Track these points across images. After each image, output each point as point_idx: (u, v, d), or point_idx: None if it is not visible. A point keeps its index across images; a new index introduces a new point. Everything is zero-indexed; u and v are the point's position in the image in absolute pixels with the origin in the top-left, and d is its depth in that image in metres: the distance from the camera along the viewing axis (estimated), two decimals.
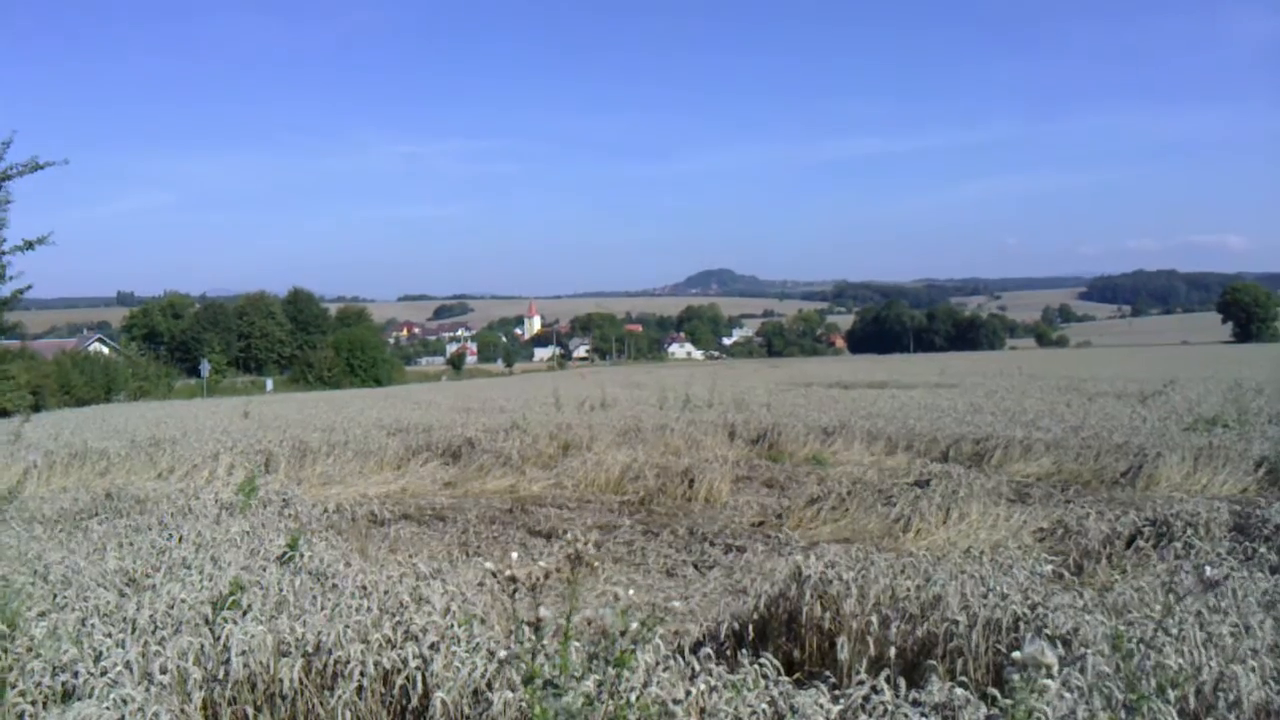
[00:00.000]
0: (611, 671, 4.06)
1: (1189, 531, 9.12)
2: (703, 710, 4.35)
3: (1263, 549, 8.07)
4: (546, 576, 3.30)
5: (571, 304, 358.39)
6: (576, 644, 4.22)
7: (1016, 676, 3.03)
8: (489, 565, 3.43)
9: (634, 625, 3.55)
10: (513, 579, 3.35)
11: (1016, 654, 3.00)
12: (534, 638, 3.18)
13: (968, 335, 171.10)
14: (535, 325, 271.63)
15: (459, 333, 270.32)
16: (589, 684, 4.08)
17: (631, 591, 3.96)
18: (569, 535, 10.27)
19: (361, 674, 5.06)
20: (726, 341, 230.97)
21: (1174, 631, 5.10)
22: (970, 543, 10.27)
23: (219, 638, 5.33)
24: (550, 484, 15.50)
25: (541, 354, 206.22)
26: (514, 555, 3.49)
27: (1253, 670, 4.61)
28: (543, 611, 3.15)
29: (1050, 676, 3.19)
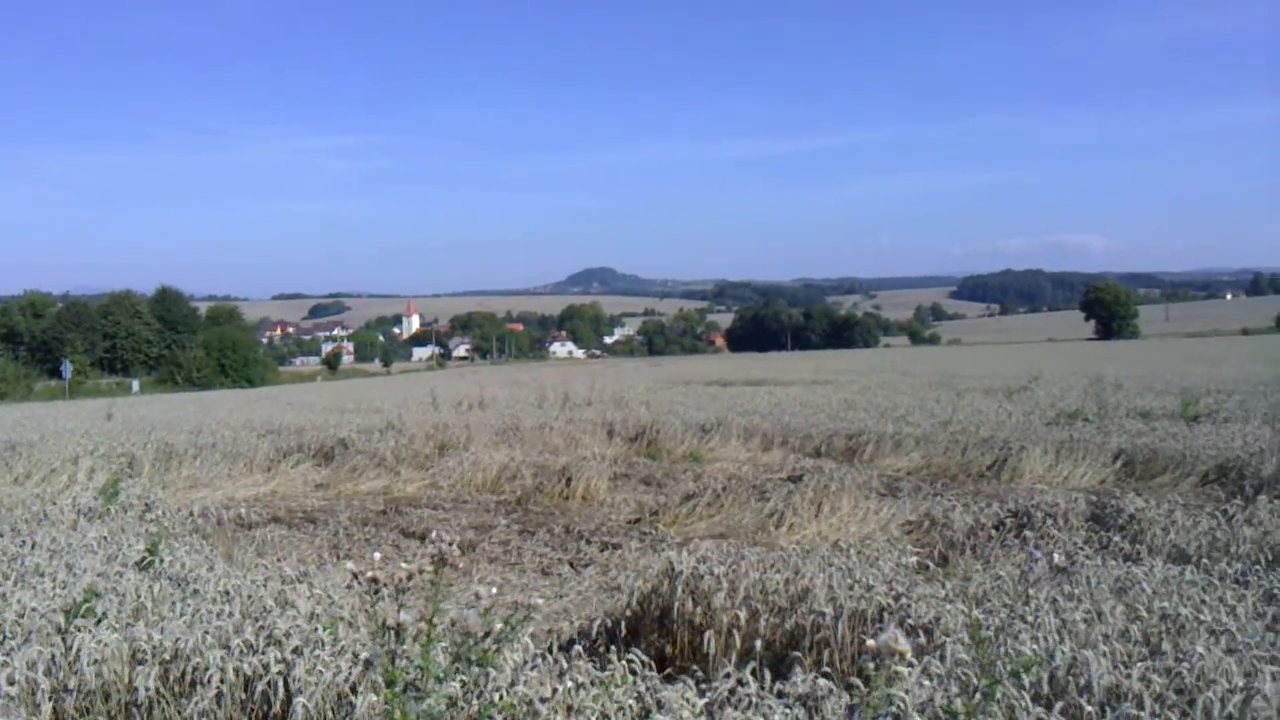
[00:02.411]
0: (477, 671, 4.04)
1: (1049, 522, 9.43)
2: (570, 708, 4.34)
3: (1116, 538, 8.40)
4: (410, 578, 3.26)
5: (451, 303, 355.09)
6: (443, 645, 4.17)
7: (872, 665, 3.09)
8: (350, 566, 3.38)
9: (498, 625, 3.52)
10: (375, 580, 3.31)
11: (871, 642, 3.06)
12: (394, 640, 3.13)
13: (843, 333, 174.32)
14: (414, 324, 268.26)
15: (335, 332, 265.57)
16: (454, 685, 4.04)
17: (496, 590, 3.92)
18: (433, 535, 10.20)
19: (221, 681, 4.93)
20: (608, 340, 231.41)
21: (1030, 619, 5.27)
22: (841, 536, 10.47)
23: (71, 647, 5.14)
24: (426, 484, 15.33)
25: (420, 354, 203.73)
26: (376, 556, 3.44)
27: (1104, 655, 4.78)
28: (402, 615, 3.10)
29: (905, 664, 3.27)
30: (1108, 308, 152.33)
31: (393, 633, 3.11)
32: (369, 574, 3.23)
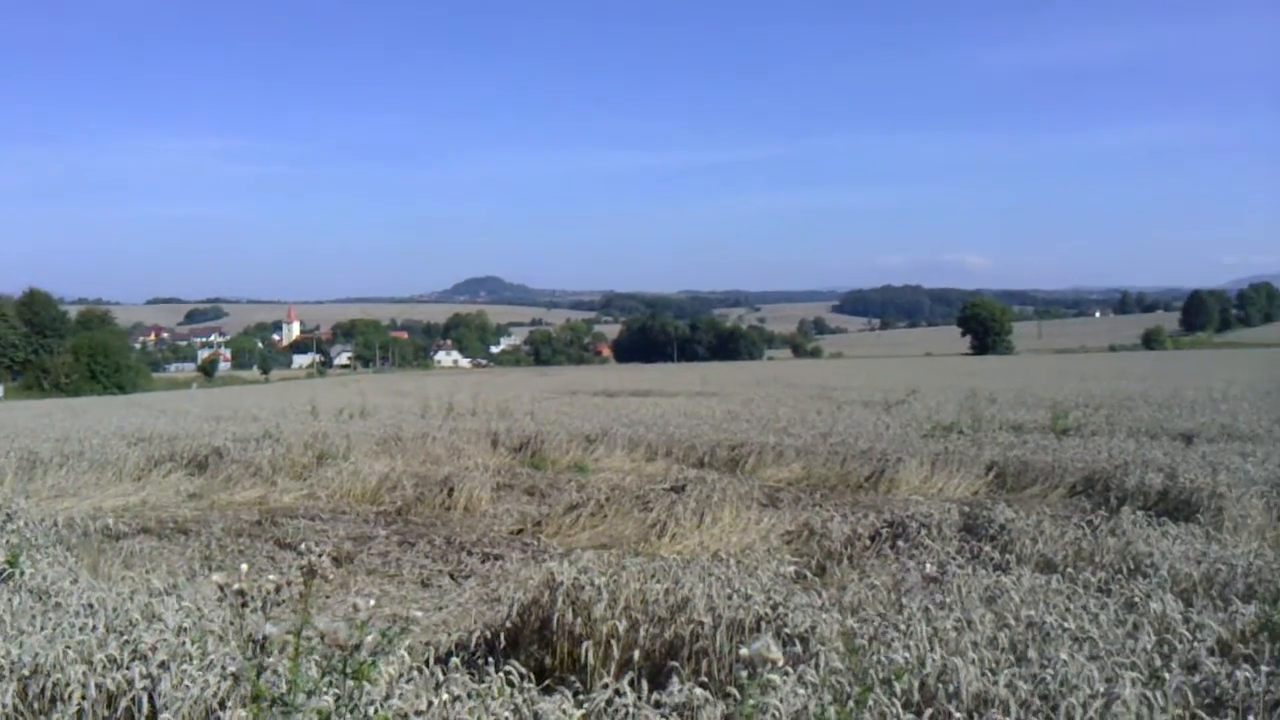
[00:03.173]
0: (351, 685, 3.96)
1: (923, 532, 9.63)
2: None
3: (987, 547, 8.62)
4: (278, 590, 3.18)
5: (334, 309, 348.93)
6: (316, 659, 4.08)
7: (745, 674, 3.11)
8: (216, 579, 3.28)
9: (369, 638, 3.45)
10: (241, 593, 3.21)
11: (745, 651, 3.08)
12: (260, 654, 3.04)
13: (729, 345, 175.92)
14: (295, 331, 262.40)
15: (212, 338, 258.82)
16: (327, 699, 3.96)
17: (374, 602, 3.85)
18: (302, 546, 9.99)
19: (83, 697, 4.74)
20: (495, 350, 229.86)
21: (902, 627, 5.37)
22: (722, 546, 10.56)
23: None
24: (303, 495, 15.01)
25: (301, 361, 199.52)
26: (244, 567, 3.34)
27: (973, 662, 4.89)
28: (269, 628, 3.02)
29: (778, 672, 3.30)
30: (983, 324, 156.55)
31: (259, 646, 3.03)
32: (235, 586, 3.14)
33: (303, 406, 30.38)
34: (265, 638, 3.04)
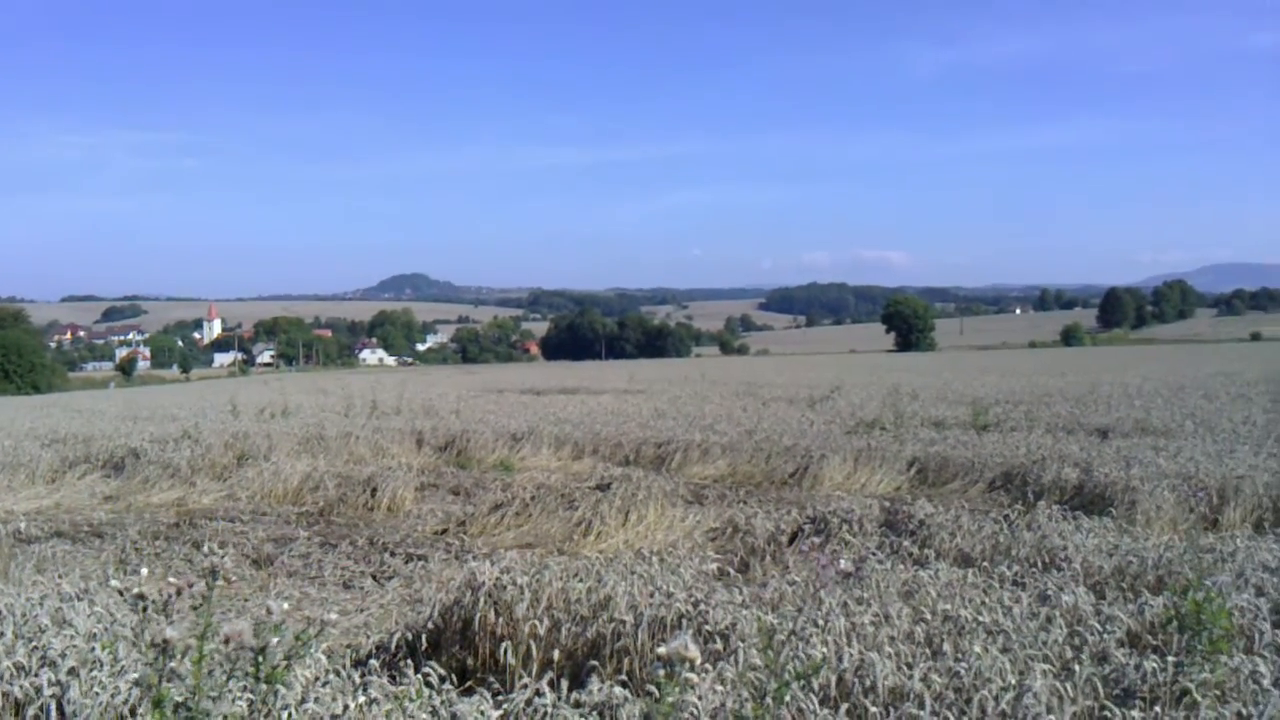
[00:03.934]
0: (264, 689, 3.89)
1: (844, 528, 9.72)
2: None
3: (906, 542, 8.72)
4: (179, 593, 3.11)
5: (256, 307, 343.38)
6: (228, 663, 4.00)
7: (662, 672, 3.10)
8: (115, 584, 3.20)
9: (275, 641, 3.40)
10: (142, 597, 3.14)
11: (662, 649, 3.07)
12: (163, 659, 2.97)
13: (657, 343, 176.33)
14: (216, 329, 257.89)
15: (130, 336, 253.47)
16: (240, 704, 3.89)
17: (287, 605, 3.79)
18: (205, 548, 9.81)
19: None
20: (421, 348, 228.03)
21: (821, 623, 5.41)
22: (647, 544, 10.55)
23: None
24: (223, 496, 14.74)
25: (222, 359, 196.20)
26: (144, 571, 3.27)
27: (889, 656, 4.94)
28: (169, 631, 2.95)
29: (695, 670, 3.30)
30: (907, 321, 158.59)
31: (161, 651, 2.96)
32: (134, 590, 3.07)
33: (223, 406, 29.88)
34: (167, 642, 2.96)
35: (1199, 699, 4.43)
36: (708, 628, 5.60)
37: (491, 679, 5.38)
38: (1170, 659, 4.84)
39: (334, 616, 3.80)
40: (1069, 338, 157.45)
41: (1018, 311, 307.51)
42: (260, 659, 3.53)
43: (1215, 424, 18.63)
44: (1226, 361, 55.37)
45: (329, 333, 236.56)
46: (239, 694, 3.90)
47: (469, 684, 5.69)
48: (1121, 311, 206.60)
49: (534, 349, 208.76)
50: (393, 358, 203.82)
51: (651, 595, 6.13)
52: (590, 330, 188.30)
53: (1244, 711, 4.39)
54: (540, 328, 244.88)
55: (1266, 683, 4.62)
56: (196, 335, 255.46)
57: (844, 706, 4.22)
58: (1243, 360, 56.42)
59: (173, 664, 3.07)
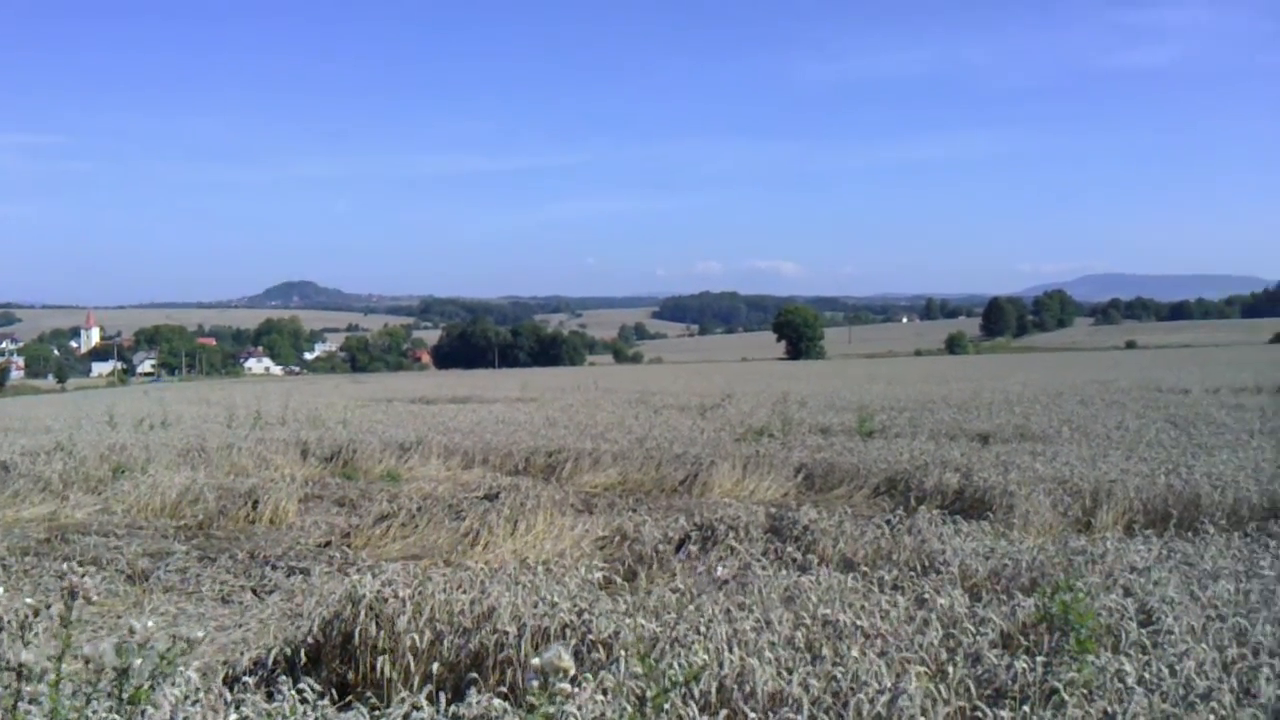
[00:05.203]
0: (130, 709, 3.77)
1: (731, 534, 9.78)
2: None
3: (790, 548, 8.82)
4: (36, 613, 2.99)
5: (137, 315, 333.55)
6: (87, 686, 3.87)
7: (536, 683, 3.09)
8: None
9: (139, 660, 3.29)
10: None
11: (536, 660, 3.06)
12: (18, 682, 2.86)
13: (550, 351, 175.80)
14: (94, 338, 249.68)
15: (4, 346, 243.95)
16: None
17: (160, 622, 3.68)
18: (66, 567, 9.52)
19: None
20: (308, 356, 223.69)
21: (703, 629, 5.44)
22: (535, 553, 10.51)
23: None
24: (98, 509, 14.26)
25: (101, 369, 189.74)
26: (0, 590, 3.14)
27: (769, 662, 4.99)
28: (24, 654, 2.84)
29: (569, 680, 3.28)
30: (797, 329, 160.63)
31: (16, 674, 2.84)
32: None
33: (100, 417, 28.97)
34: (22, 665, 2.85)
35: (1066, 698, 4.56)
36: (591, 637, 5.59)
37: (370, 694, 5.29)
38: (1040, 659, 4.97)
39: (201, 634, 3.68)
40: (953, 346, 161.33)
41: (904, 320, 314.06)
42: (123, 680, 3.42)
43: (1090, 430, 19.23)
44: (1102, 369, 57.25)
45: (213, 341, 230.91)
46: (103, 716, 3.78)
47: (349, 699, 5.59)
48: (1004, 320, 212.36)
49: (425, 358, 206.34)
50: (279, 367, 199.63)
51: (535, 606, 6.10)
52: (483, 339, 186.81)
53: (1109, 709, 4.53)
54: (432, 336, 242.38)
55: (1131, 681, 4.78)
56: (74, 344, 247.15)
57: (723, 713, 4.24)
58: (1117, 368, 58.39)
59: (29, 688, 2.95)
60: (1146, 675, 4.83)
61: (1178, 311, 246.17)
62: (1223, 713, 4.43)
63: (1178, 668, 4.91)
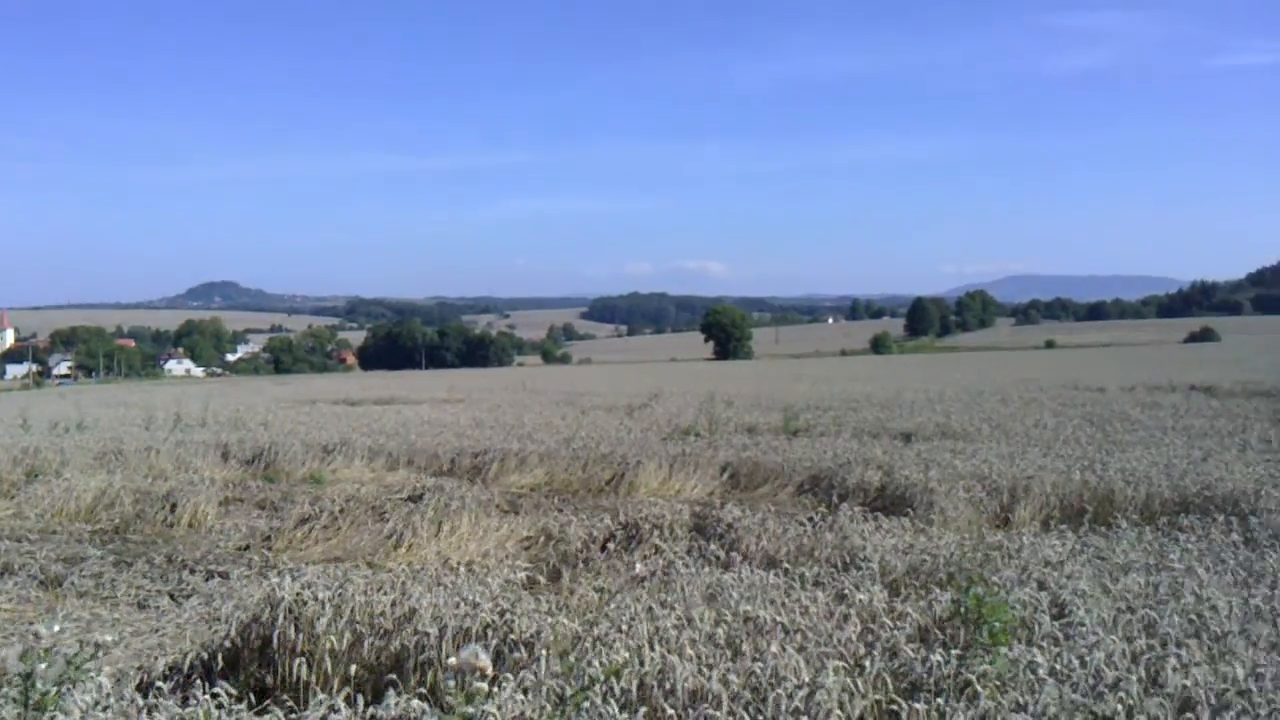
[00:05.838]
0: (34, 715, 3.69)
1: (656, 533, 9.82)
2: None
3: (714, 546, 8.86)
4: None
5: (53, 315, 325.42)
6: None
7: (452, 683, 3.08)
8: None
9: (44, 666, 3.22)
10: None
11: (452, 660, 3.05)
12: None
13: (478, 352, 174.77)
14: (8, 339, 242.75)
15: None
16: None
17: (71, 627, 3.60)
18: None
19: None
20: (231, 358, 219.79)
21: (624, 627, 5.45)
22: (460, 555, 10.46)
23: None
24: (10, 514, 13.91)
25: (15, 371, 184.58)
26: None
27: (690, 659, 5.01)
28: None
29: (486, 680, 3.28)
30: (725, 330, 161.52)
31: None
32: None
33: (13, 419, 28.25)
34: None
35: (980, 690, 4.63)
36: (513, 637, 5.57)
37: (288, 698, 5.22)
38: (955, 652, 5.05)
39: (111, 638, 3.61)
40: (878, 346, 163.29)
41: (830, 321, 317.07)
42: (29, 685, 3.34)
43: (1010, 428, 19.60)
44: (1022, 368, 58.37)
45: (132, 343, 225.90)
46: None
47: (267, 703, 5.52)
48: (927, 321, 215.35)
49: (351, 359, 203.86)
50: (201, 369, 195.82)
51: (457, 606, 6.07)
52: (409, 339, 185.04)
53: (1022, 700, 4.61)
54: (357, 337, 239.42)
55: (1043, 672, 4.87)
56: None
57: (643, 710, 4.25)
58: (1037, 367, 59.55)
59: None
60: (1058, 666, 4.93)
61: (1096, 312, 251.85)
62: (1130, 702, 4.54)
63: (1088, 659, 5.01)
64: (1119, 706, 4.47)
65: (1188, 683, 4.74)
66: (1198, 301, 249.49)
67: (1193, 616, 5.91)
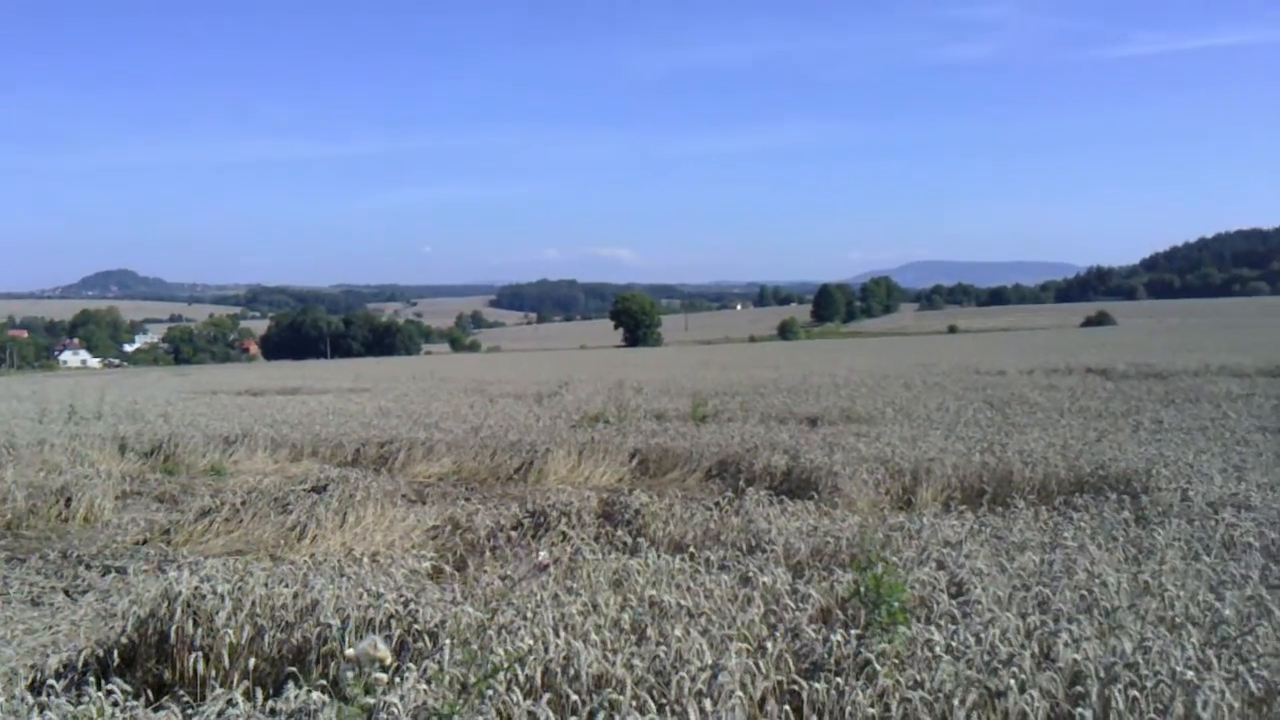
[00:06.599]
0: None
1: (563, 520, 9.82)
2: None
3: (621, 532, 8.90)
4: None
5: None
6: None
7: (350, 674, 3.05)
8: None
9: None
10: None
11: (350, 651, 3.02)
12: None
13: (385, 341, 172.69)
14: None
15: None
16: None
17: None
18: None
19: None
20: (129, 349, 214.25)
21: (530, 615, 5.45)
22: (365, 545, 10.34)
23: None
24: None
25: None
26: None
27: (595, 645, 5.03)
28: None
29: (389, 670, 3.26)
30: (634, 317, 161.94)
31: None
32: None
33: None
34: None
35: (878, 668, 4.73)
36: (417, 626, 5.54)
37: (186, 693, 5.13)
38: (855, 632, 5.15)
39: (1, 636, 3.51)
40: (785, 332, 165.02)
41: (739, 307, 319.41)
42: None
43: (912, 411, 19.96)
44: (925, 353, 59.42)
45: (25, 334, 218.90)
46: None
47: (165, 698, 5.41)
48: (833, 307, 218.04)
49: (253, 349, 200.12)
50: (98, 360, 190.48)
51: (360, 597, 6.02)
52: (314, 328, 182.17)
53: (919, 678, 4.72)
54: (260, 326, 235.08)
55: (939, 650, 4.99)
56: None
57: (546, 696, 4.26)
58: (939, 352, 60.68)
59: None
60: (954, 644, 5.05)
61: (996, 297, 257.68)
62: (1023, 677, 4.66)
63: (983, 635, 5.14)
64: (1012, 681, 4.59)
65: (1078, 657, 4.89)
66: (1094, 287, 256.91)
67: (1084, 592, 6.09)
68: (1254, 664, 4.83)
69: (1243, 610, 5.78)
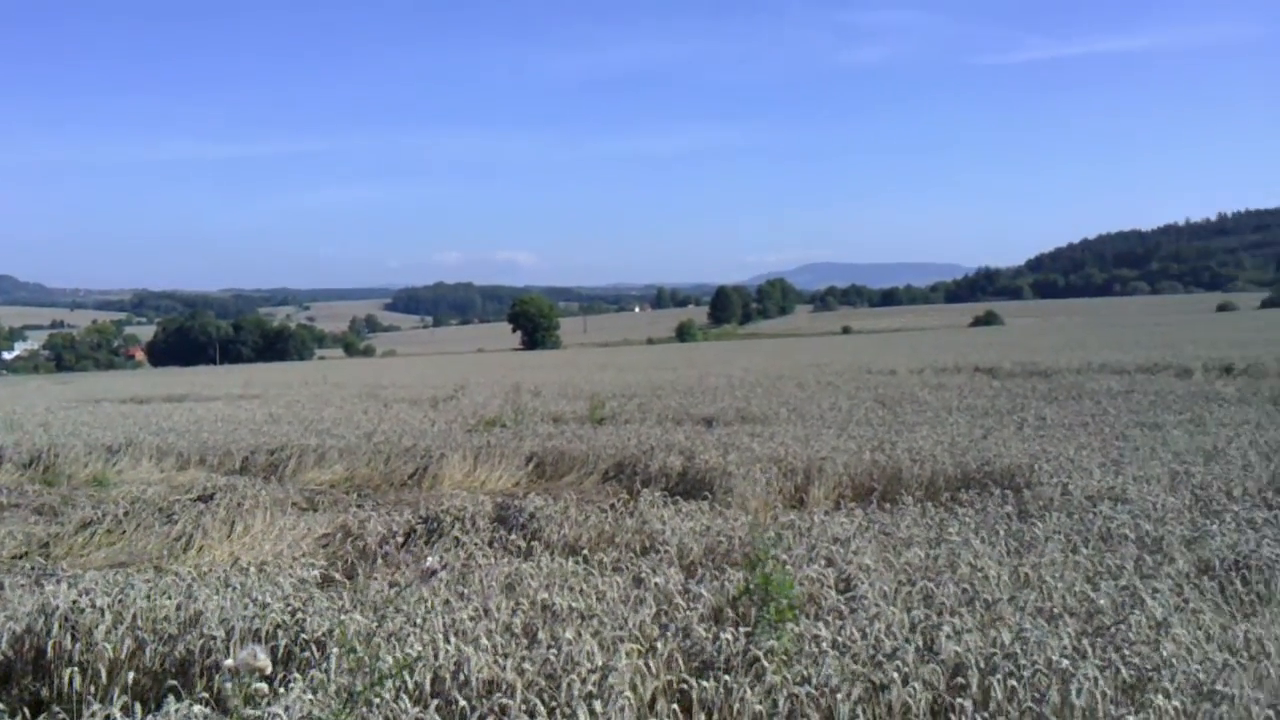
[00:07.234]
0: None
1: (457, 526, 9.75)
2: None
3: (515, 536, 8.87)
4: None
5: None
6: None
7: (230, 685, 2.99)
8: None
9: None
10: None
11: (229, 661, 2.96)
12: None
13: (277, 346, 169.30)
14: None
15: None
16: None
17: None
18: None
19: None
20: (8, 356, 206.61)
21: (420, 621, 5.40)
22: (254, 555, 10.13)
23: None
24: None
25: None
26: None
27: (485, 650, 5.01)
28: None
29: (271, 680, 3.20)
30: (533, 320, 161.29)
31: None
32: None
33: None
34: None
35: (766, 665, 4.78)
36: (304, 635, 5.45)
37: (62, 711, 4.97)
38: (744, 630, 5.20)
39: None
40: (683, 334, 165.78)
41: (637, 310, 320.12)
42: None
43: (806, 411, 20.23)
44: (819, 353, 60.27)
45: None
46: None
47: (42, 716, 5.24)
48: (730, 308, 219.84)
49: (140, 355, 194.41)
50: None
51: (246, 608, 5.90)
52: (202, 334, 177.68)
53: (806, 673, 4.78)
54: (147, 332, 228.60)
55: (826, 645, 5.07)
56: None
57: (434, 703, 4.23)
58: (833, 352, 61.60)
59: None
60: (840, 639, 5.14)
61: (888, 298, 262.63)
62: (906, 670, 4.76)
63: (869, 630, 5.25)
64: (895, 675, 4.68)
65: (960, 649, 5.01)
66: (982, 287, 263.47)
67: (966, 586, 6.25)
68: (1126, 652, 5.00)
69: (1117, 600, 5.98)
